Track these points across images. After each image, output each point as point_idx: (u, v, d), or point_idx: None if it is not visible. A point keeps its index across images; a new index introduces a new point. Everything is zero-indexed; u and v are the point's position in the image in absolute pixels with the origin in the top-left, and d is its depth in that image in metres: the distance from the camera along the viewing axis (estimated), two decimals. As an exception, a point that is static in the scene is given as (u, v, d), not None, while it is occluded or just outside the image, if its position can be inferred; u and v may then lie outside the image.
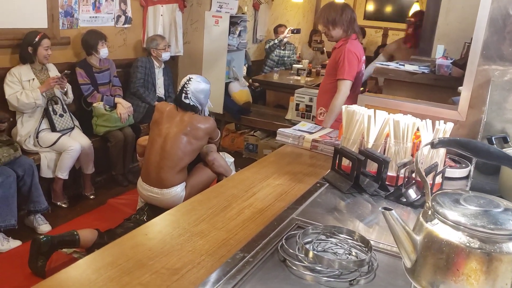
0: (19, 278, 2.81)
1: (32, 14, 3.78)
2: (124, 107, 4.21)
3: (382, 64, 3.59)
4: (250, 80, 5.84)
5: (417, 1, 7.84)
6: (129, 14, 4.78)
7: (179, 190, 3.02)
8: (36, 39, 3.53)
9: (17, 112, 3.60)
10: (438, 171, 1.59)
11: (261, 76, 6.45)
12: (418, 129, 1.67)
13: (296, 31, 6.38)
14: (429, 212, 0.98)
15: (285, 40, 6.57)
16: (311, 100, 4.95)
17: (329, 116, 3.18)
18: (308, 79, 6.26)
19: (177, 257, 1.18)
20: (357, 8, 8.92)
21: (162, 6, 5.00)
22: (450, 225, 0.92)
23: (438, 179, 1.64)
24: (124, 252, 1.19)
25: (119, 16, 4.66)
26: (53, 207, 3.67)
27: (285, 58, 6.95)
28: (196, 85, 3.00)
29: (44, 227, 3.38)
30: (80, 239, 2.82)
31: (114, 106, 4.19)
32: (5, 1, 3.56)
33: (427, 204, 0.99)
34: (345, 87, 3.13)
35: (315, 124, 2.87)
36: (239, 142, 5.56)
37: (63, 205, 3.79)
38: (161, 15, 5.02)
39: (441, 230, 0.93)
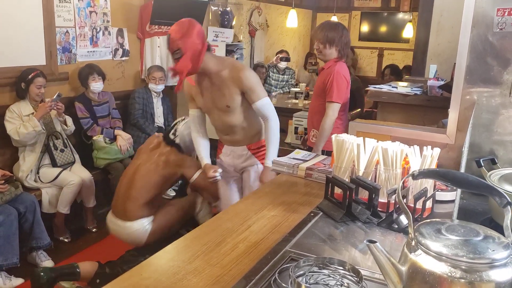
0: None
1: (30, 52, 3.86)
2: (124, 139, 4.25)
3: (375, 87, 3.64)
4: None
5: (410, 21, 7.97)
6: (127, 47, 4.86)
7: (145, 223, 2.91)
8: (29, 77, 3.58)
9: (19, 148, 3.65)
10: (428, 196, 1.62)
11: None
12: (407, 155, 1.70)
13: (285, 59, 6.49)
14: (413, 243, 1.00)
15: (283, 65, 6.67)
16: (309, 123, 4.97)
17: (320, 139, 3.18)
18: (306, 102, 6.27)
19: (170, 297, 1.20)
20: (352, 30, 9.02)
21: (159, 37, 5.08)
22: (433, 256, 0.95)
23: (429, 203, 1.66)
24: (120, 292, 1.21)
25: (116, 49, 4.74)
26: (56, 242, 3.68)
27: (284, 83, 7.03)
28: (185, 128, 3.00)
29: (46, 263, 3.37)
30: (80, 272, 2.80)
31: (114, 138, 4.24)
32: (3, 40, 3.64)
33: (410, 235, 1.02)
34: (332, 110, 3.14)
35: (308, 146, 2.84)
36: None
37: (66, 240, 3.81)
38: (158, 46, 5.10)
39: (424, 261, 0.96)
